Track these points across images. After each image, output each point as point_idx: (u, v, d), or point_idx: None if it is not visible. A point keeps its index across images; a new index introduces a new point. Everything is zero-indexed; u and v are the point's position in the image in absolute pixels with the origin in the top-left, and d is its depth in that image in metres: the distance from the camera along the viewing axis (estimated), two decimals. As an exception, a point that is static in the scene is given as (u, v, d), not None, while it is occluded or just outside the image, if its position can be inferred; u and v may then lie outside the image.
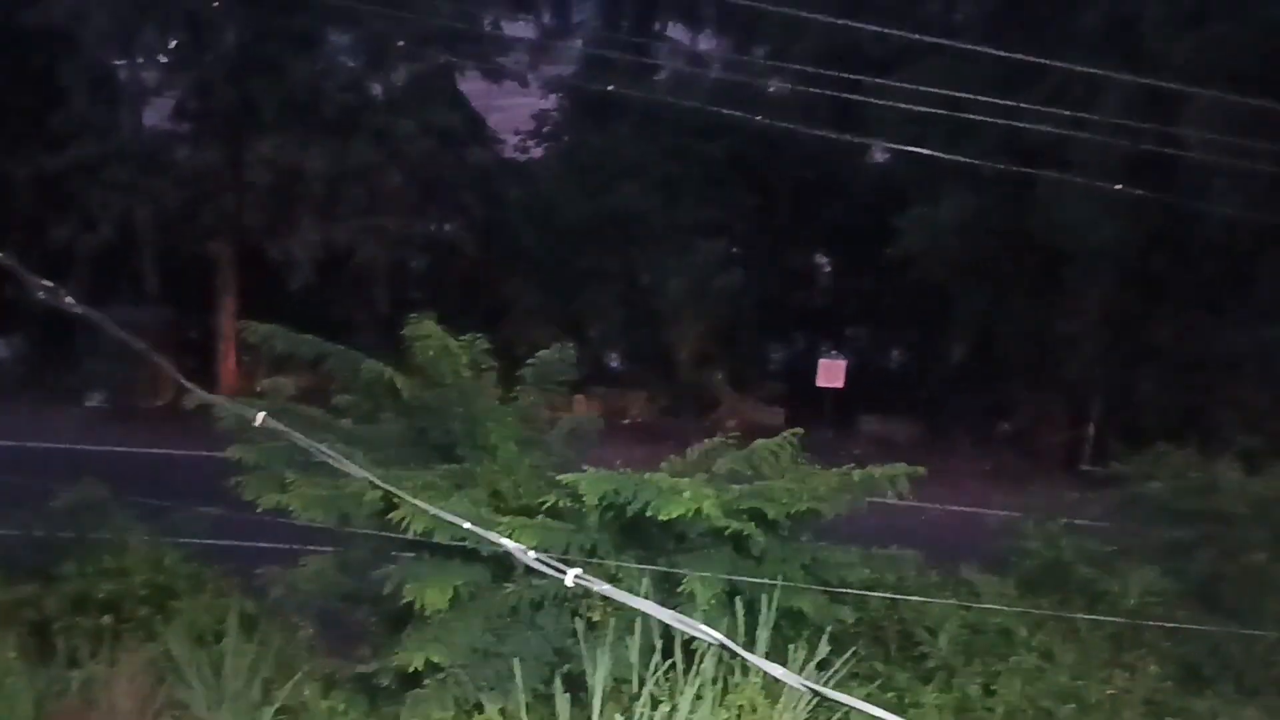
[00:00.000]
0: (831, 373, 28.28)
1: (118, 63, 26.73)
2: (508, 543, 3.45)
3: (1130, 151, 20.86)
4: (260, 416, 4.41)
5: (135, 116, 27.37)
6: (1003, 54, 18.21)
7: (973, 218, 25.70)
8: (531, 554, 3.30)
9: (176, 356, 27.14)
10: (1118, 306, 25.60)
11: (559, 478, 8.40)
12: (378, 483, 6.35)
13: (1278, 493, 12.47)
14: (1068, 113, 19.04)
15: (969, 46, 20.76)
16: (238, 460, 8.73)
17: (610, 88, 26.47)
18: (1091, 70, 19.12)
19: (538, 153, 33.06)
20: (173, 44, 26.15)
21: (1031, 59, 18.43)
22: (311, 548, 9.73)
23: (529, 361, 10.45)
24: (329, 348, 9.62)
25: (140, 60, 26.50)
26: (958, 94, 18.78)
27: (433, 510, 6.53)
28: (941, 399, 30.75)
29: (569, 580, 3.13)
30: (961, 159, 21.13)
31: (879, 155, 30.88)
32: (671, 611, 3.28)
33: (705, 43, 35.47)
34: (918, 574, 10.22)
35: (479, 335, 9.91)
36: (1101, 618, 9.83)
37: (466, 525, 4.47)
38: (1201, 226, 22.81)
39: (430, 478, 8.43)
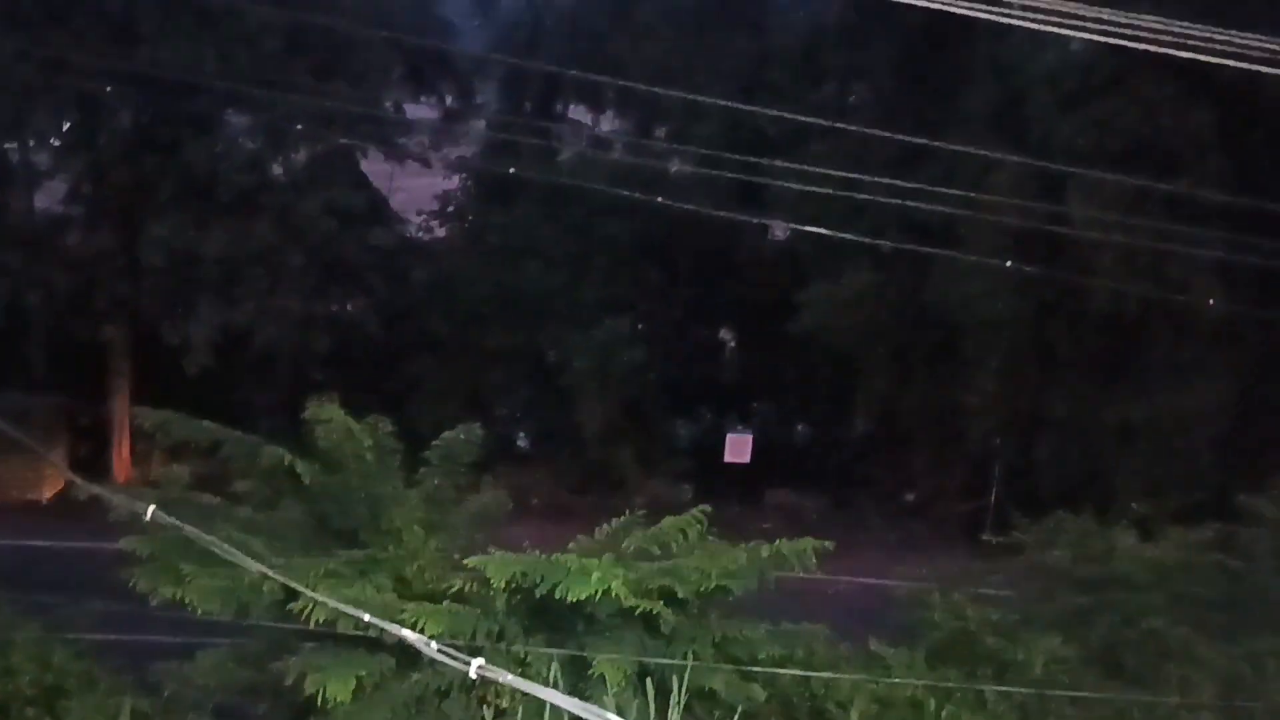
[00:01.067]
0: (738, 448, 28.41)
1: (8, 145, 26.17)
2: (409, 634, 3.38)
3: (1020, 227, 21.52)
4: (150, 510, 4.28)
5: (27, 200, 26.78)
6: (897, 136, 18.71)
7: (871, 293, 26.25)
8: (434, 645, 3.24)
9: (68, 445, 26.39)
10: (1014, 377, 26.20)
11: (465, 561, 8.30)
12: (272, 575, 6.20)
13: (1174, 558, 12.78)
14: (959, 192, 19.59)
15: (864, 130, 21.30)
16: (131, 552, 8.45)
17: (512, 170, 26.64)
18: (982, 152, 19.76)
19: (442, 232, 32.97)
20: (66, 126, 25.73)
21: (923, 141, 18.98)
22: (209, 640, 9.43)
23: (434, 443, 10.35)
24: (226, 434, 9.43)
25: (32, 143, 25.99)
26: (853, 175, 19.26)
27: (332, 602, 6.38)
28: (847, 471, 31.07)
29: (473, 672, 3.07)
30: (857, 238, 21.62)
31: (780, 232, 31.41)
32: (579, 701, 3.23)
33: (608, 123, 35.95)
34: (827, 648, 10.23)
35: (383, 417, 9.80)
36: (1009, 688, 9.92)
37: (367, 618, 4.37)
38: (1091, 298, 23.54)
39: (333, 565, 8.27)
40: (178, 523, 4.24)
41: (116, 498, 7.72)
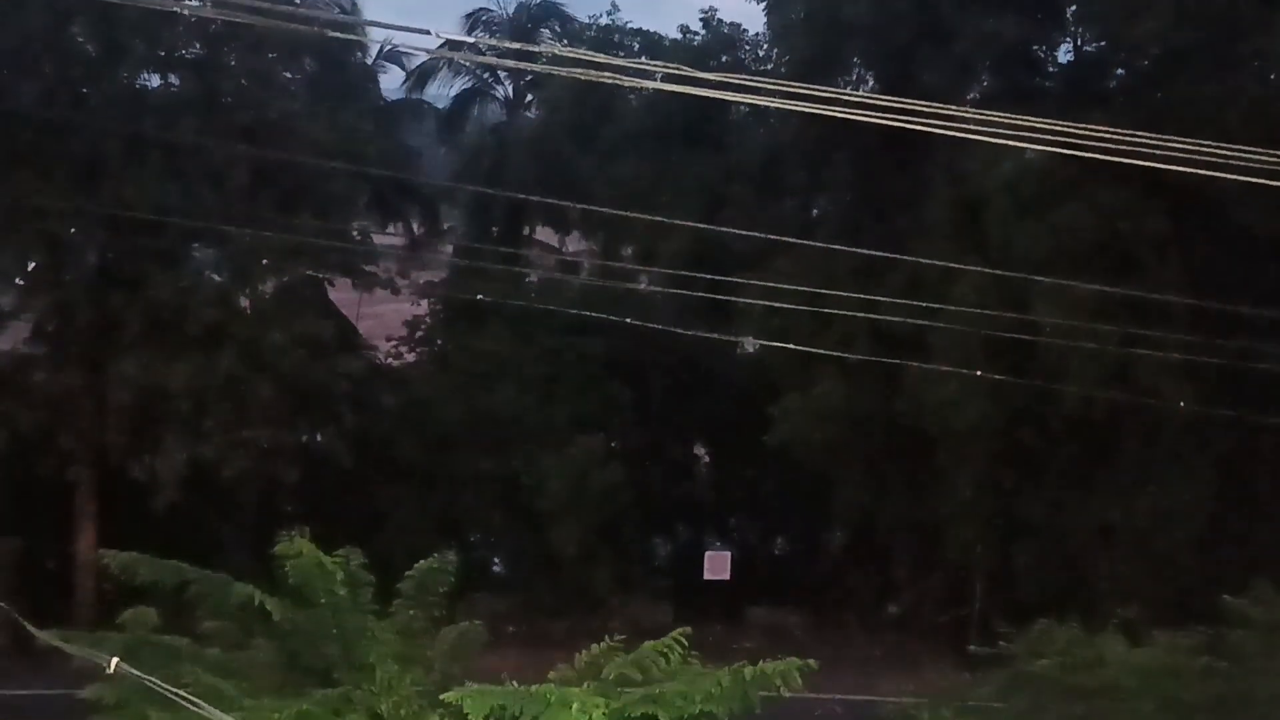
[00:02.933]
0: (717, 565, 28.13)
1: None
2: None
3: (988, 334, 21.70)
4: (114, 663, 4.13)
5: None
6: (860, 251, 18.98)
7: (843, 404, 26.28)
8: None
9: (32, 588, 25.75)
10: (989, 484, 26.15)
11: (442, 696, 8.06)
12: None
13: (1161, 663, 12.63)
14: (924, 304, 19.77)
15: (829, 245, 21.62)
16: (97, 700, 8.17)
17: (480, 297, 26.78)
18: (945, 263, 20.04)
19: (411, 357, 32.94)
20: (31, 265, 25.71)
21: (887, 255, 19.25)
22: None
23: (408, 573, 10.16)
24: (195, 574, 9.23)
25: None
26: (820, 290, 19.46)
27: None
28: (828, 584, 30.76)
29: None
30: (825, 351, 21.77)
31: (750, 346, 31.58)
32: None
33: (574, 243, 36.32)
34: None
35: (354, 549, 9.63)
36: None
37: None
38: (1062, 402, 23.65)
39: (305, 706, 8.03)
40: (140, 675, 4.07)
41: (78, 648, 7.46)
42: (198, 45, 26.79)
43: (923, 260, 20.23)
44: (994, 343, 22.03)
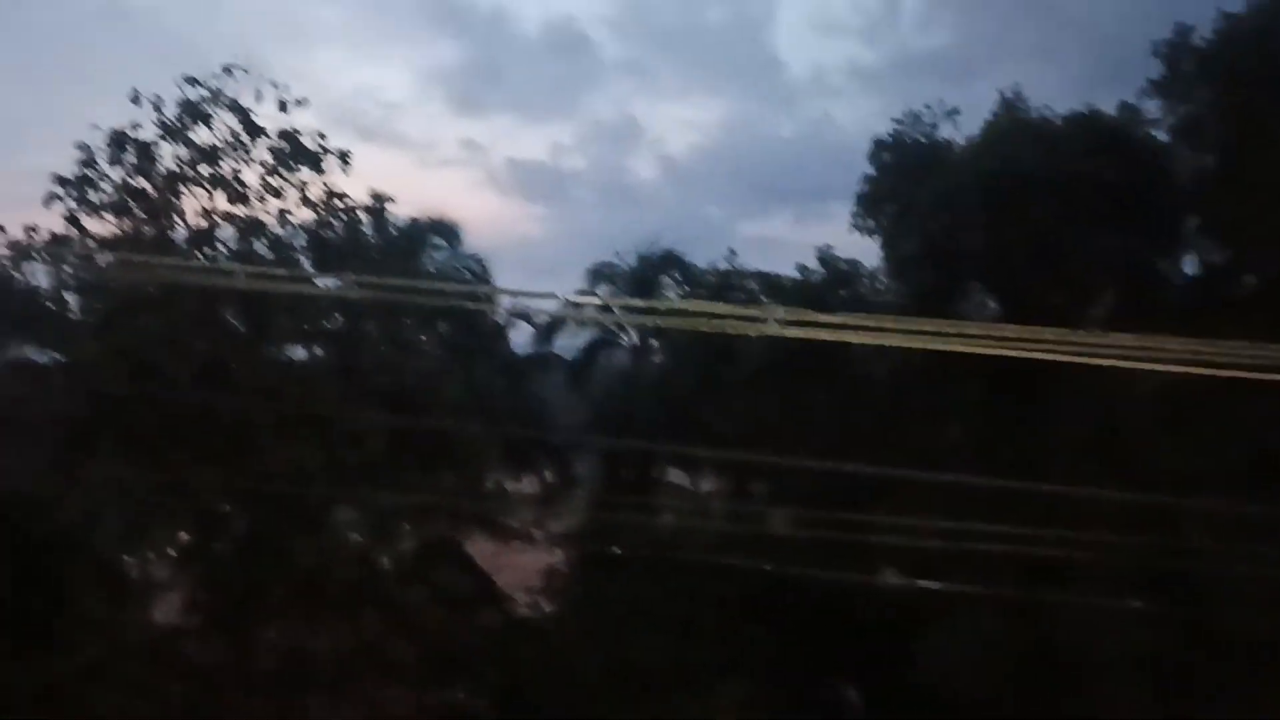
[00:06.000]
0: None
1: (127, 561, 27.07)
2: None
3: (1138, 563, 20.82)
4: None
5: (143, 613, 27.40)
6: (995, 481, 18.57)
7: (990, 638, 25.21)
8: None
9: None
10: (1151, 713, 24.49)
11: None
12: None
13: None
14: (1066, 530, 19.16)
15: (961, 477, 21.21)
16: None
17: (614, 549, 26.84)
18: (1088, 488, 19.47)
19: (549, 608, 32.86)
20: (180, 538, 26.65)
21: (1023, 484, 18.79)
22: None
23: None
24: None
25: (151, 557, 26.86)
26: (956, 523, 19.02)
27: None
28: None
29: None
30: (961, 587, 21.10)
31: (890, 579, 30.70)
32: None
33: (706, 483, 36.30)
34: None
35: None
36: None
37: None
38: (1222, 626, 22.31)
39: None
40: None
41: None
42: (339, 317, 28.24)
43: (1063, 487, 19.64)
44: (1147, 568, 21.07)
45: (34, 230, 25.11)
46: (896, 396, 30.98)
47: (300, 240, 27.05)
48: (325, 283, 27.67)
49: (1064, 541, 19.05)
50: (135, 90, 25.57)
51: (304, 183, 26.58)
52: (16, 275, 26.16)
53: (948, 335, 10.35)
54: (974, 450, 29.25)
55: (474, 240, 33.75)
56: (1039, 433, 26.82)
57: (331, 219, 27.09)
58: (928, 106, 32.10)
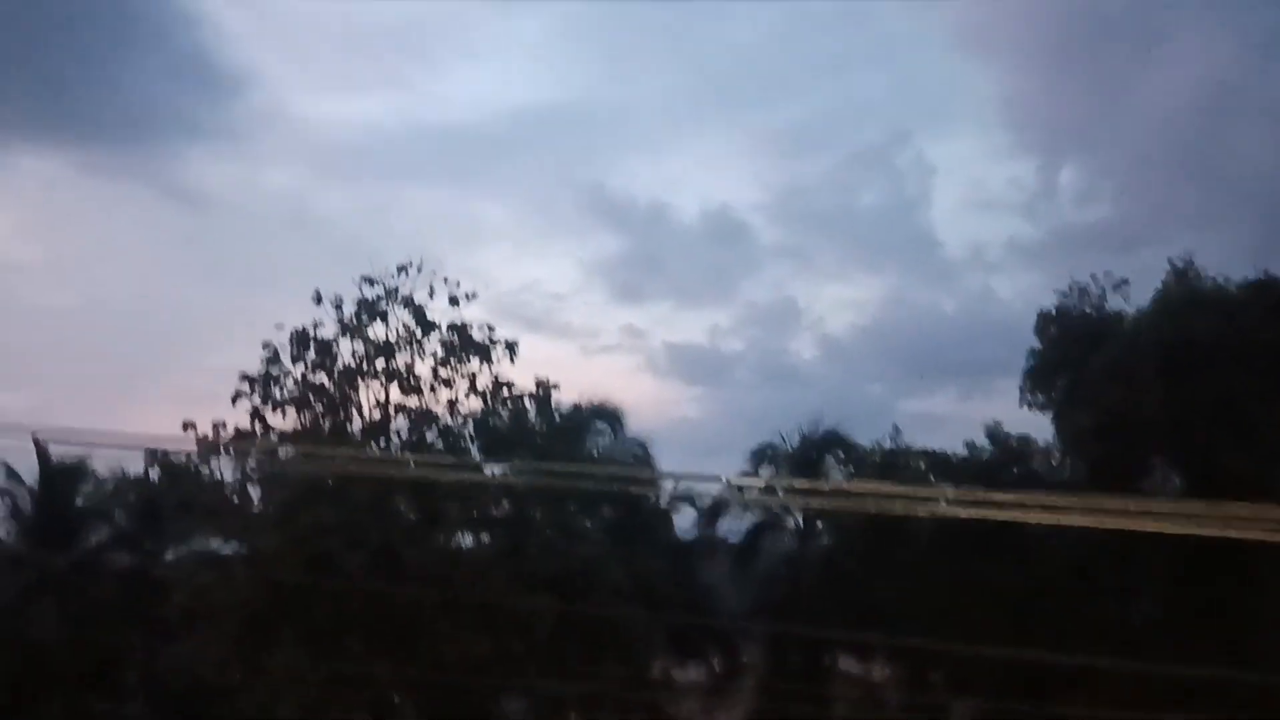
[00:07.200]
0: None
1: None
2: None
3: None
4: None
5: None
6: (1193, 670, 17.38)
7: None
8: None
9: None
10: None
11: None
12: None
13: None
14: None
15: (1154, 663, 19.96)
16: None
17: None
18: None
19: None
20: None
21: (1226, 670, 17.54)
22: None
23: None
24: None
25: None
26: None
27: None
28: None
29: None
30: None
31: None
32: None
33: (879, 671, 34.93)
34: None
35: None
36: None
37: None
38: None
39: None
40: None
41: None
42: (506, 504, 28.53)
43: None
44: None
45: (221, 426, 26.30)
46: (1079, 574, 29.49)
47: (469, 429, 27.65)
48: (493, 470, 28.11)
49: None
50: (317, 291, 26.99)
51: (473, 373, 27.32)
52: (204, 470, 27.34)
53: (1132, 514, 9.91)
54: (1169, 632, 27.51)
55: (635, 423, 34.14)
56: (1244, 611, 25.14)
57: (499, 407, 27.68)
58: (1094, 277, 31.62)
